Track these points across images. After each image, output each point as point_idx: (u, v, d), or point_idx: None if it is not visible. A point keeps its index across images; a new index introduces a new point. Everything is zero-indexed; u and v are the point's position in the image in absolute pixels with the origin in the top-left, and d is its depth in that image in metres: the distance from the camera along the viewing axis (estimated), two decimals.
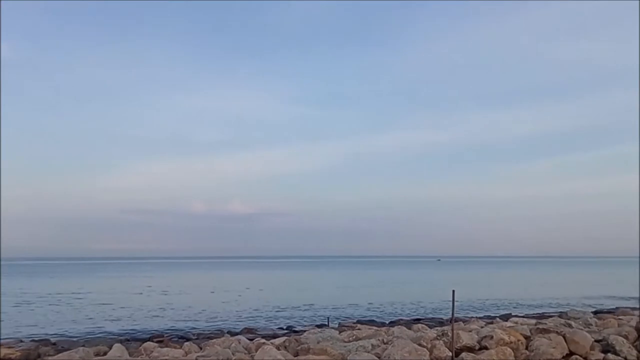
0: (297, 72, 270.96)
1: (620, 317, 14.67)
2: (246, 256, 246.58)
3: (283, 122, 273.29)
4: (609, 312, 19.84)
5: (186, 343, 12.35)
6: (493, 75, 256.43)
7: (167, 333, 18.29)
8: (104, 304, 33.08)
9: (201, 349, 11.49)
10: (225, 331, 18.19)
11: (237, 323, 22.58)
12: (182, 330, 19.89)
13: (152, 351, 11.20)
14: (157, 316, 26.45)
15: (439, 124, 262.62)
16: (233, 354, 10.95)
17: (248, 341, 12.38)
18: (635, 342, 11.29)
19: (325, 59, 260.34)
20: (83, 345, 12.72)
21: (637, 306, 25.35)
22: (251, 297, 38.27)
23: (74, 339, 16.75)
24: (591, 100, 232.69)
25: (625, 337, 11.34)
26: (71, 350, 11.50)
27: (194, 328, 20.82)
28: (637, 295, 38.89)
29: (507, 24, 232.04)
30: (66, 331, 20.66)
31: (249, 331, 18.10)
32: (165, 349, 11.52)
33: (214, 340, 12.48)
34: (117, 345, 11.76)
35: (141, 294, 41.87)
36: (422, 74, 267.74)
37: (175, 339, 16.00)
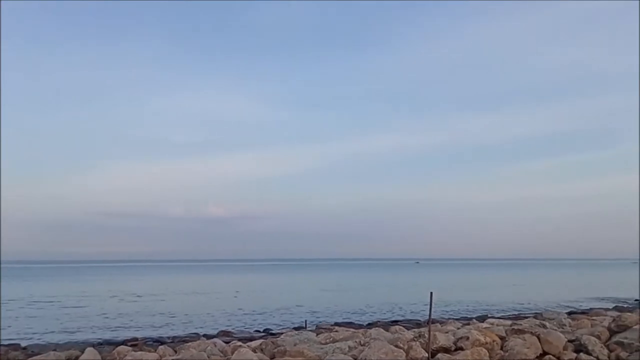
0: (278, 74, 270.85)
1: (594, 317, 14.90)
2: (225, 259, 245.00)
3: (263, 124, 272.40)
4: (583, 312, 20.15)
5: (161, 347, 12.15)
6: (486, 77, 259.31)
7: (141, 337, 18.03)
8: (78, 307, 32.54)
9: (176, 352, 11.34)
10: (201, 334, 18.00)
11: (214, 326, 22.38)
12: (157, 334, 19.65)
13: (126, 355, 11.01)
14: (132, 320, 26.08)
15: (421, 127, 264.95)
16: (209, 357, 10.83)
17: (224, 344, 12.26)
18: (607, 342, 11.45)
19: (309, 61, 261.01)
20: (54, 350, 12.45)
21: (611, 307, 25.83)
22: (229, 301, 37.99)
23: (46, 344, 16.40)
24: (585, 102, 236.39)
25: (598, 337, 11.49)
26: (42, 355, 11.27)
27: (170, 332, 20.58)
28: (612, 296, 39.65)
29: (502, 25, 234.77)
30: (38, 335, 20.24)
31: (225, 334, 17.93)
32: (139, 352, 11.34)
33: (190, 343, 12.34)
34: (89, 350, 11.54)
35: (117, 297, 41.24)
36: (411, 76, 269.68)
37: (150, 343, 15.76)
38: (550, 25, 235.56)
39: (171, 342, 15.59)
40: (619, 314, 13.98)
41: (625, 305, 28.70)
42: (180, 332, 20.37)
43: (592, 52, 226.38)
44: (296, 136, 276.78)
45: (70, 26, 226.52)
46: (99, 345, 15.08)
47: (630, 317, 12.22)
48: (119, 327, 23.48)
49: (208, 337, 16.39)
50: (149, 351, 11.77)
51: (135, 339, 16.70)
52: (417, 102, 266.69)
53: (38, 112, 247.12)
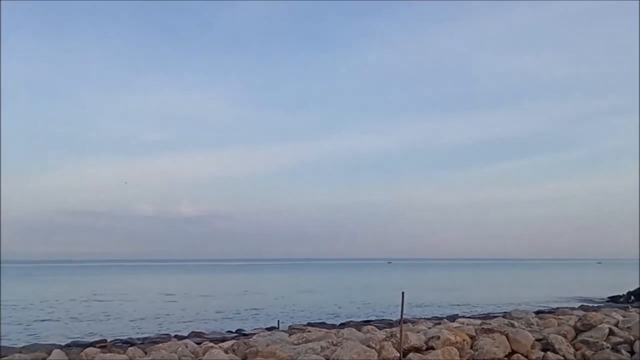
0: (247, 73, 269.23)
1: (560, 317, 15.20)
2: (195, 259, 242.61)
3: (232, 123, 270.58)
4: (550, 312, 20.53)
5: (130, 348, 11.97)
6: (454, 79, 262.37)
7: (110, 338, 17.72)
8: (44, 308, 31.83)
9: (146, 353, 11.18)
10: (172, 335, 17.77)
11: (185, 327, 22.13)
12: (126, 335, 19.34)
13: (94, 357, 10.83)
14: (101, 321, 25.66)
15: (388, 129, 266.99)
16: (179, 358, 10.72)
17: (195, 345, 12.12)
18: (573, 340, 11.72)
19: (276, 61, 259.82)
20: (20, 352, 12.14)
21: (577, 306, 26.45)
22: (200, 301, 37.69)
23: (11, 346, 15.98)
24: (547, 106, 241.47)
25: (564, 336, 11.76)
26: (7, 357, 10.98)
27: (140, 333, 20.29)
28: (577, 296, 40.64)
29: (470, 27, 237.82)
30: (2, 337, 19.72)
31: (196, 335, 17.74)
32: (108, 354, 11.15)
33: (160, 344, 12.16)
34: (56, 351, 11.30)
35: (85, 298, 40.47)
36: (381, 77, 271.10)
37: (119, 344, 15.48)
38: (514, 30, 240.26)
39: (141, 343, 15.35)
40: (584, 313, 14.33)
41: (590, 305, 29.45)
42: (150, 333, 20.08)
43: (530, 63, 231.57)
44: (268, 135, 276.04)
45: (37, 19, 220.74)
46: (67, 347, 14.75)
47: (595, 316, 12.55)
48: (87, 328, 23.06)
49: (179, 338, 16.18)
50: (118, 353, 11.57)
51: (104, 341, 16.39)
52: (387, 103, 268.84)
53: None
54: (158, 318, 26.71)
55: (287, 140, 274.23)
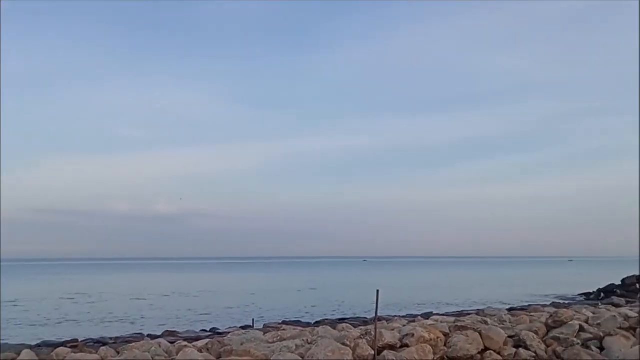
0: (225, 71, 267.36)
1: (532, 314, 15.43)
2: (171, 258, 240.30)
3: (210, 121, 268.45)
4: (522, 309, 20.86)
5: (102, 348, 11.77)
6: (419, 82, 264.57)
7: (82, 338, 17.41)
8: (14, 307, 31.15)
9: (118, 353, 11.01)
10: (146, 335, 17.55)
11: (159, 326, 21.88)
12: (98, 334, 19.03)
13: (65, 357, 10.62)
14: (73, 321, 25.22)
15: (364, 127, 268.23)
16: (153, 358, 10.58)
17: (169, 344, 11.98)
18: (544, 337, 11.92)
19: (255, 59, 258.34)
20: None
21: (548, 303, 26.94)
22: (175, 300, 37.32)
23: None
24: (511, 108, 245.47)
25: (536, 332, 11.94)
26: None
27: (112, 332, 19.99)
28: (549, 293, 41.39)
29: (434, 31, 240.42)
30: None
31: (170, 334, 17.54)
32: (80, 354, 10.95)
33: (133, 344, 11.98)
34: (26, 351, 11.06)
35: (57, 297, 39.73)
36: (358, 77, 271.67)
37: (91, 344, 15.23)
38: (496, 30, 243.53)
39: (113, 342, 15.11)
40: (555, 310, 14.57)
41: (562, 302, 30.02)
42: (123, 332, 19.80)
43: (535, 58, 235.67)
44: (245, 133, 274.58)
45: (11, 13, 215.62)
46: (37, 347, 14.44)
47: (566, 313, 12.78)
48: (58, 327, 22.65)
49: (152, 337, 15.99)
50: (90, 352, 11.38)
51: (76, 340, 16.10)
52: (367, 102, 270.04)
53: None
54: (131, 317, 26.37)
55: (264, 138, 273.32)
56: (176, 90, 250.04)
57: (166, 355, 10.84)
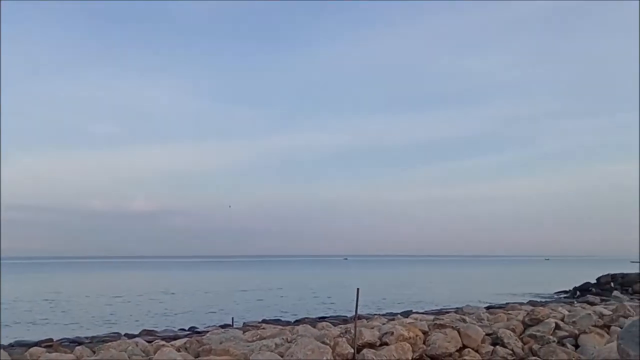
0: (200, 67, 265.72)
1: (510, 311, 15.59)
2: (147, 256, 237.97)
3: (186, 118, 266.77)
4: (500, 307, 21.09)
5: (78, 347, 11.57)
6: (393, 81, 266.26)
7: (57, 337, 17.13)
8: None
9: (94, 352, 10.83)
10: (122, 334, 17.35)
11: (136, 325, 21.65)
12: (74, 334, 18.74)
13: (40, 357, 10.41)
14: (47, 320, 24.80)
15: (341, 126, 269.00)
16: (129, 357, 10.43)
17: (146, 343, 11.83)
18: (521, 335, 12.05)
19: (233, 56, 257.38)
20: None
21: (525, 302, 27.28)
22: (153, 299, 36.92)
23: None
24: (481, 109, 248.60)
25: (513, 330, 12.06)
26: None
27: (88, 332, 19.70)
28: (525, 292, 41.94)
29: (407, 31, 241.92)
30: None
31: (148, 333, 17.36)
32: (55, 354, 10.74)
33: (109, 343, 11.81)
34: None
35: (30, 296, 39.01)
36: (325, 77, 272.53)
37: (66, 344, 15.01)
38: (462, 32, 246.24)
39: (89, 342, 14.91)
40: (532, 308, 14.74)
41: (538, 300, 30.44)
42: (99, 331, 19.54)
43: (500, 60, 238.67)
44: (221, 130, 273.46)
45: None
46: (10, 346, 14.19)
47: (542, 311, 12.93)
48: (31, 327, 22.24)
49: (130, 336, 15.83)
50: (65, 352, 11.19)
51: (50, 340, 15.84)
52: (339, 101, 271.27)
53: None
54: (108, 316, 26.04)
55: (240, 135, 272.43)
56: (152, 86, 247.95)
57: (143, 354, 10.69)
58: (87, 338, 16.90)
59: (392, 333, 11.04)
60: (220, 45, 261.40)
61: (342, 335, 11.08)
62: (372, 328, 11.79)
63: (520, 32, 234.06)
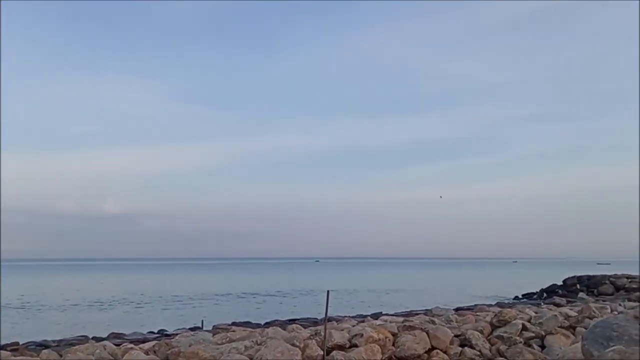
0: (178, 69, 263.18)
1: (478, 313, 15.82)
2: (119, 258, 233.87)
3: (161, 119, 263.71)
4: (469, 309, 21.37)
5: (44, 350, 11.34)
6: (371, 84, 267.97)
7: (23, 341, 16.72)
8: None
9: (61, 356, 10.63)
10: (90, 337, 17.04)
11: (105, 328, 21.27)
12: (40, 337, 18.31)
13: None
14: (13, 323, 24.17)
15: (317, 128, 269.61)
16: None
17: (114, 346, 11.65)
18: (489, 336, 12.25)
19: (207, 58, 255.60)
20: None
21: (493, 303, 27.73)
22: (122, 301, 36.34)
23: None
24: (475, 110, 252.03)
25: (481, 331, 12.26)
26: None
27: (55, 335, 19.27)
28: (494, 293, 42.64)
29: (388, 33, 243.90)
30: None
31: (116, 336, 17.10)
32: (20, 357, 10.54)
33: (77, 346, 11.60)
34: None
35: None
36: (303, 79, 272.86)
37: (32, 347, 14.67)
38: (444, 34, 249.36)
39: (56, 345, 14.61)
40: (500, 309, 14.99)
41: (506, 302, 30.97)
42: (67, 334, 19.14)
43: (483, 63, 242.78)
44: (196, 132, 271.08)
45: None
46: None
47: (509, 313, 13.17)
48: None
49: (97, 339, 15.55)
50: (31, 356, 10.97)
51: (16, 343, 15.45)
52: (318, 103, 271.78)
53: None
54: (76, 319, 25.53)
55: (216, 137, 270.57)
56: (127, 88, 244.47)
57: (111, 357, 10.54)
58: (54, 341, 16.52)
59: (362, 335, 11.11)
60: (198, 48, 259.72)
61: (311, 337, 11.10)
62: (342, 330, 11.84)
63: (502, 35, 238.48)
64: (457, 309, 21.13)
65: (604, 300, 24.58)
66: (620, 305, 18.77)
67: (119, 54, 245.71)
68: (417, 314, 17.40)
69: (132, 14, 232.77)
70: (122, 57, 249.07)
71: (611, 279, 37.41)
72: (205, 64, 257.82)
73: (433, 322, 12.93)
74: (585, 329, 9.56)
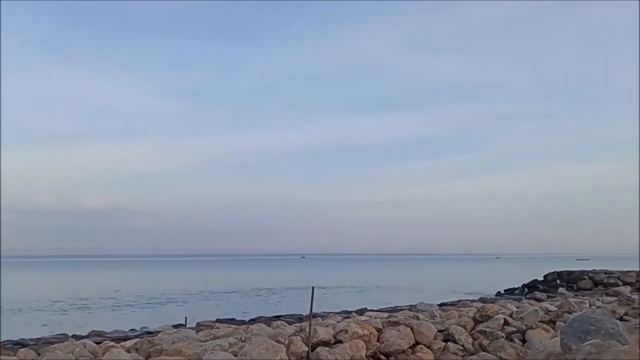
0: (161, 65, 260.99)
1: (461, 308, 15.92)
2: (101, 255, 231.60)
3: (143, 115, 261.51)
4: (452, 304, 21.53)
5: (22, 349, 11.13)
6: (353, 82, 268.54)
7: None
8: None
9: (40, 355, 10.44)
10: (70, 335, 16.81)
11: (85, 326, 21.00)
12: (17, 335, 18.01)
13: None
14: None
15: (300, 125, 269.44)
16: (76, 359, 10.11)
17: (95, 345, 11.48)
18: (472, 331, 12.33)
19: (191, 54, 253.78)
20: None
21: (476, 299, 27.97)
22: (104, 299, 35.95)
23: None
24: (445, 110, 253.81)
25: (464, 326, 12.32)
26: None
27: (34, 333, 18.98)
28: (477, 289, 43.00)
29: (372, 32, 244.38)
30: None
31: (97, 334, 16.89)
32: None
33: (56, 345, 11.41)
34: None
35: None
36: (297, 75, 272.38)
37: (9, 346, 14.43)
38: (433, 33, 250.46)
39: (34, 344, 14.39)
40: (482, 305, 15.09)
41: (488, 297, 31.25)
42: (45, 333, 18.87)
43: (469, 62, 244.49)
44: (180, 128, 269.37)
45: None
46: None
47: (492, 308, 13.26)
48: None
49: (77, 337, 15.35)
50: (9, 355, 10.75)
51: None
52: (305, 100, 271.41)
53: None
54: (55, 317, 25.18)
55: (200, 134, 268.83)
56: (108, 84, 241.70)
57: (91, 356, 10.38)
58: (32, 340, 16.27)
59: (347, 331, 11.08)
60: (183, 44, 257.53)
61: (296, 333, 11.05)
62: (327, 326, 11.81)
63: (486, 34, 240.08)
64: (440, 305, 21.26)
65: (583, 295, 24.92)
66: (598, 300, 19.04)
67: (100, 49, 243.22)
68: (401, 310, 17.48)
69: (112, 10, 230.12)
70: (103, 53, 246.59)
71: (590, 274, 37.94)
72: (192, 59, 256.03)
73: (417, 318, 12.96)
74: (565, 323, 9.66)
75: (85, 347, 10.98)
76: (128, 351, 10.50)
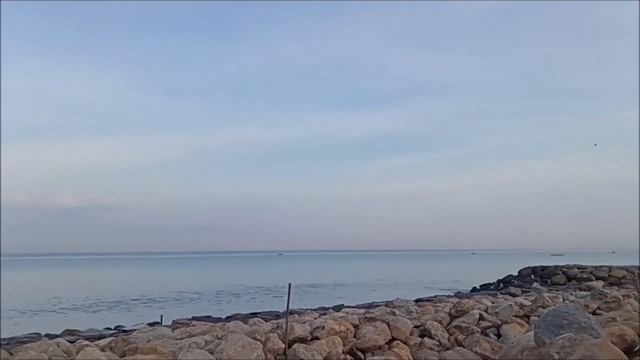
0: (139, 59, 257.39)
1: (437, 304, 16.07)
2: (74, 253, 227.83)
3: (119, 110, 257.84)
4: (428, 300, 21.72)
5: None
6: (333, 80, 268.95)
7: None
8: None
9: (12, 354, 10.24)
10: (43, 334, 16.52)
11: (59, 325, 20.65)
12: None
13: None
14: None
15: (280, 121, 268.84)
16: (50, 359, 9.94)
17: (69, 344, 11.29)
18: (447, 326, 12.47)
19: (169, 48, 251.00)
20: None
21: (452, 294, 28.28)
22: (76, 297, 35.39)
23: None
24: (422, 107, 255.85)
25: (440, 322, 12.46)
26: None
27: (5, 332, 18.61)
28: (453, 284, 43.51)
29: (353, 29, 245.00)
30: None
31: (70, 333, 16.61)
32: None
33: (28, 344, 11.20)
34: None
35: None
36: (268, 72, 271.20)
37: None
38: (413, 30, 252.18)
39: (6, 343, 14.09)
40: (458, 300, 15.27)
41: (464, 292, 31.63)
42: (18, 332, 18.51)
43: (450, 60, 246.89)
44: (157, 124, 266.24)
45: None
46: None
47: (467, 303, 13.42)
48: None
49: (51, 337, 15.09)
50: None
51: None
52: (285, 96, 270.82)
53: None
54: (27, 316, 24.72)
55: (177, 129, 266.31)
56: (83, 78, 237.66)
57: (65, 355, 10.22)
58: (4, 339, 15.94)
59: (324, 327, 11.11)
60: (161, 40, 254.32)
61: (273, 330, 11.03)
62: (304, 323, 11.82)
63: (466, 32, 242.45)
64: (417, 300, 21.44)
65: (556, 290, 25.35)
66: (571, 294, 19.42)
67: (75, 43, 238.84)
68: (378, 306, 17.55)
69: (90, 4, 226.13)
70: (79, 47, 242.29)
71: (564, 269, 38.61)
72: (170, 53, 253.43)
73: (394, 314, 13.05)
74: (539, 317, 9.83)
75: (58, 346, 10.80)
76: (102, 350, 10.36)
